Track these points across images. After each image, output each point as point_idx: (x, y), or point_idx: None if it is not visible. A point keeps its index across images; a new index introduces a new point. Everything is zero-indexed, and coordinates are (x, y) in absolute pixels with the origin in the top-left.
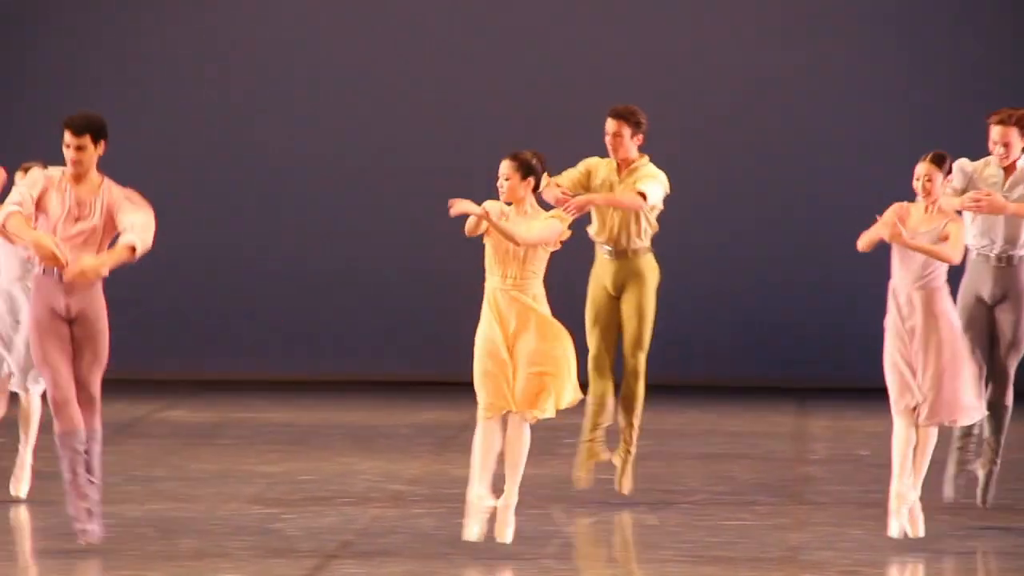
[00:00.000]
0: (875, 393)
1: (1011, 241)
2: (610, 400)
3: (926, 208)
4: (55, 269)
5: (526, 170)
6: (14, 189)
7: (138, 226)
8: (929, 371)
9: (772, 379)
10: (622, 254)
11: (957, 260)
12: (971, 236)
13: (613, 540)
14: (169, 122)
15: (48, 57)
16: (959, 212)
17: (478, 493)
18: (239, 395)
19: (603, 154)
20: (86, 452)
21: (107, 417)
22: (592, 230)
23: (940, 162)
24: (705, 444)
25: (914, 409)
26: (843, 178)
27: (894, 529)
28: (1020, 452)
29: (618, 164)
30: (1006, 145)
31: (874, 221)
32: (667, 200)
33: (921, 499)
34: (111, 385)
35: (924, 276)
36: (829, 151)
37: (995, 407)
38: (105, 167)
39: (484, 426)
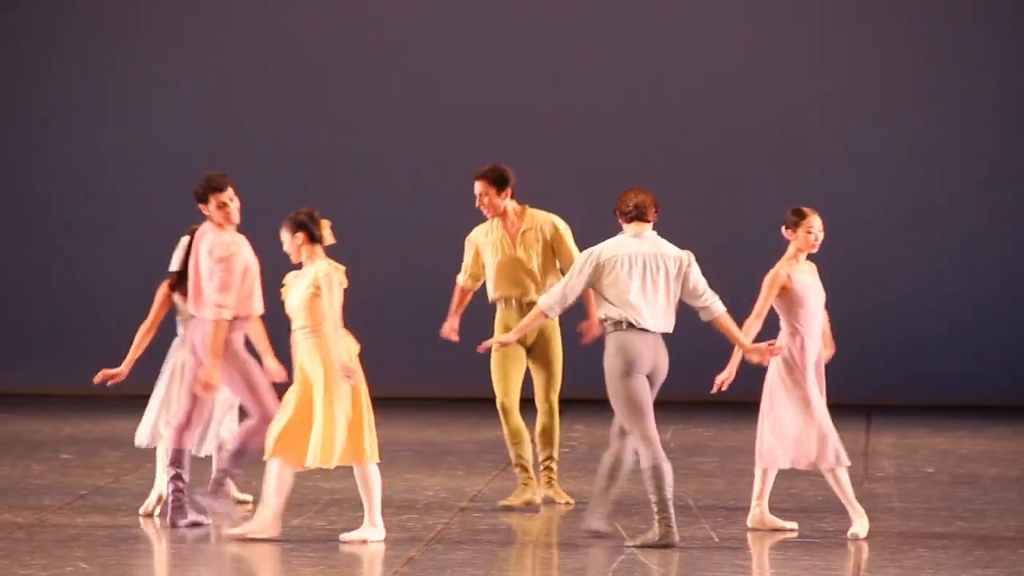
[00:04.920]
0: (942, 411)
1: None
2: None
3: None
4: None
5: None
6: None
7: None
8: None
9: (839, 396)
10: (528, 305)
11: None
12: None
13: (674, 557)
14: (170, 127)
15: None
16: None
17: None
18: None
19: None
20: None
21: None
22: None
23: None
24: None
25: None
26: (911, 193)
27: None
28: None
29: (501, 221)
30: None
31: None
32: (737, 208)
33: None
34: None
35: None
36: (903, 161)
37: None
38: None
39: None
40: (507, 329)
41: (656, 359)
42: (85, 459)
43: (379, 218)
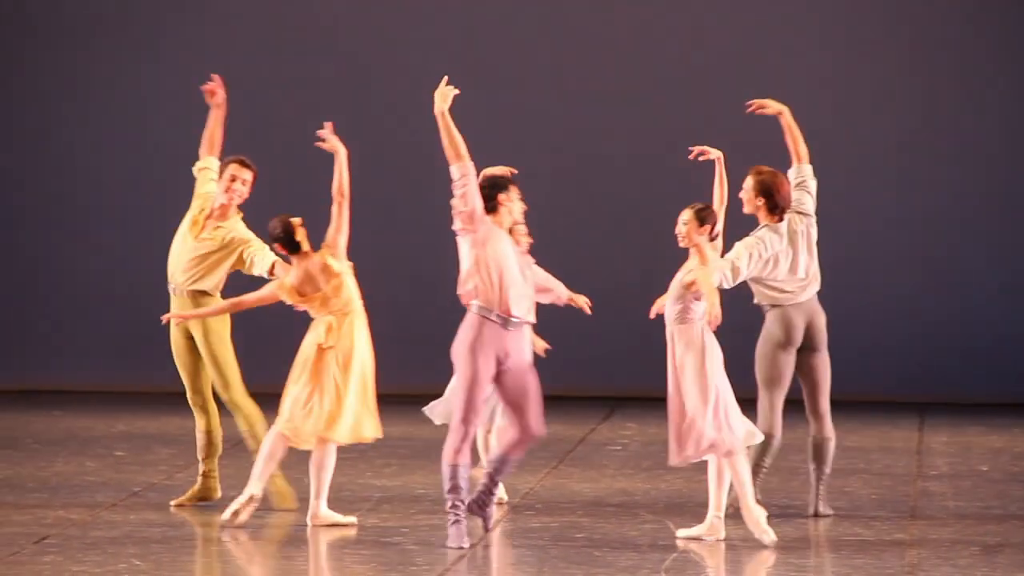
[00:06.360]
0: (996, 408)
1: None
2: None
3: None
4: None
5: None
6: None
7: None
8: None
9: (892, 394)
10: (181, 294)
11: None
12: None
13: (726, 555)
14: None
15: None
16: None
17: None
18: None
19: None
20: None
21: (226, 430)
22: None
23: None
24: None
25: None
26: (965, 192)
27: None
28: None
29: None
30: None
31: None
32: (737, 207)
33: None
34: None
35: None
36: (955, 162)
37: None
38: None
39: None
40: (182, 331)
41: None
42: (138, 456)
43: (387, 216)
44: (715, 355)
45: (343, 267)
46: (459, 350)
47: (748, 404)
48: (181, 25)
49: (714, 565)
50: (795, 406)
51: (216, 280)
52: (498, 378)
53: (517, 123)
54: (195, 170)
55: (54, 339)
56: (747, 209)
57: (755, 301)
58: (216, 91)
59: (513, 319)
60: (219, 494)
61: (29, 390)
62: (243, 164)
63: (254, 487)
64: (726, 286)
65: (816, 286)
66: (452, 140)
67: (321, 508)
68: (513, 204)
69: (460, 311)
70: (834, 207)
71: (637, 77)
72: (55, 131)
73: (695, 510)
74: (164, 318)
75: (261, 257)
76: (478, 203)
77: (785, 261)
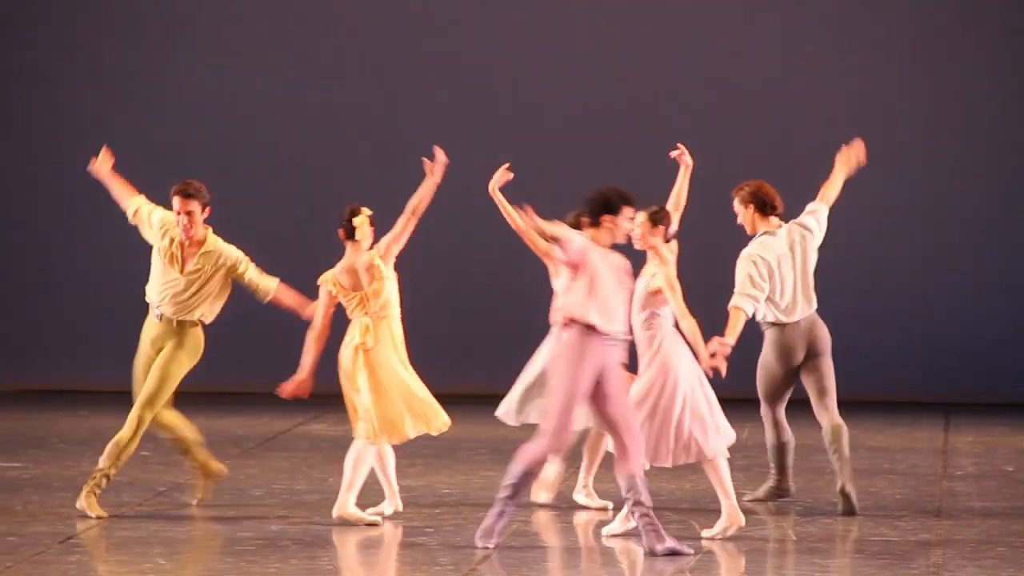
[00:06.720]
0: (1022, 409)
1: None
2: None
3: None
4: None
5: None
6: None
7: None
8: None
9: (917, 394)
10: (169, 322)
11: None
12: None
13: (752, 555)
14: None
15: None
16: None
17: None
18: None
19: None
20: None
21: (251, 430)
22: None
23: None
24: None
25: None
26: (998, 190)
27: None
28: None
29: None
30: None
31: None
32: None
33: None
34: (254, 399)
35: None
36: (975, 162)
37: None
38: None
39: None
40: (148, 340)
41: None
42: (164, 456)
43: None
44: (684, 360)
45: (389, 273)
46: (562, 365)
47: (743, 404)
48: (198, 25)
49: (738, 565)
50: (800, 405)
51: (216, 309)
52: (595, 395)
53: (517, 123)
54: (131, 219)
55: (81, 339)
56: (749, 228)
57: (757, 318)
58: (99, 170)
59: (608, 335)
60: (223, 467)
61: (56, 390)
62: (186, 195)
63: (396, 502)
64: (758, 305)
65: (811, 306)
66: (510, 218)
67: (350, 503)
68: (618, 227)
69: (488, 314)
70: (858, 207)
71: (638, 81)
72: (70, 130)
73: (718, 510)
74: (284, 394)
75: (259, 274)
76: (577, 256)
77: (787, 264)
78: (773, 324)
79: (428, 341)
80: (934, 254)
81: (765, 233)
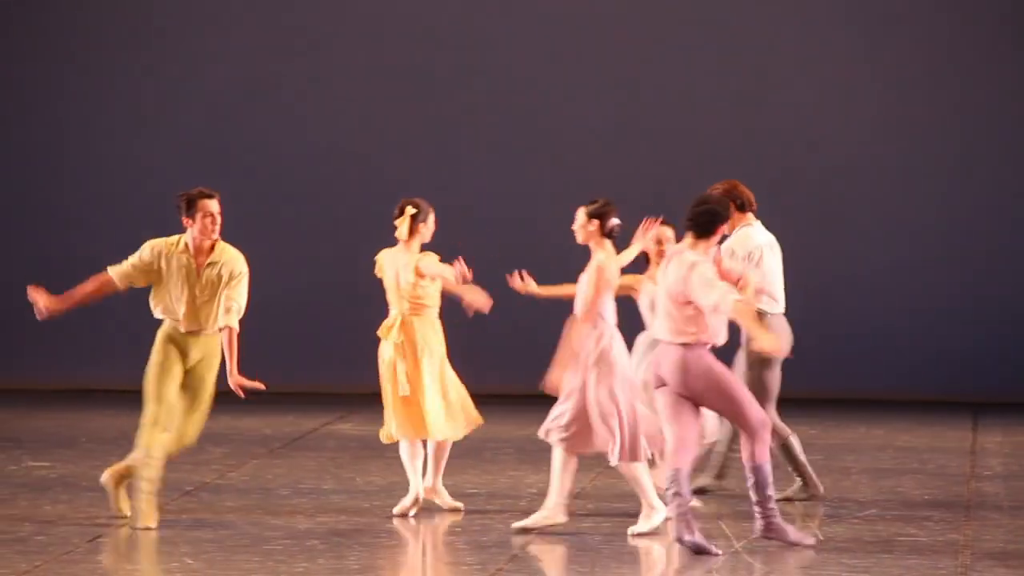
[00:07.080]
0: None
1: None
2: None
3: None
4: None
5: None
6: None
7: None
8: None
9: (945, 394)
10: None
11: None
12: None
13: (777, 555)
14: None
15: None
16: None
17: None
18: None
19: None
20: None
21: (278, 429)
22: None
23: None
24: (875, 459)
25: None
26: (1010, 193)
27: None
28: None
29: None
30: None
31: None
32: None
33: None
34: (284, 398)
35: None
36: (993, 163)
37: None
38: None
39: None
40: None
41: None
42: (190, 455)
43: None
44: (621, 358)
45: (428, 276)
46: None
47: None
48: (206, 28)
49: (765, 565)
50: (827, 404)
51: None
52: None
53: (518, 127)
54: (120, 284)
55: (110, 339)
56: (727, 228)
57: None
58: (49, 306)
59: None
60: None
61: (84, 389)
62: (209, 196)
63: (448, 501)
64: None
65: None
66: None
67: (438, 484)
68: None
69: (523, 314)
70: (891, 207)
71: (638, 87)
72: (81, 131)
73: (746, 509)
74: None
75: (239, 293)
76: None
77: (770, 254)
78: (759, 313)
79: (472, 340)
80: (961, 254)
81: (744, 226)
